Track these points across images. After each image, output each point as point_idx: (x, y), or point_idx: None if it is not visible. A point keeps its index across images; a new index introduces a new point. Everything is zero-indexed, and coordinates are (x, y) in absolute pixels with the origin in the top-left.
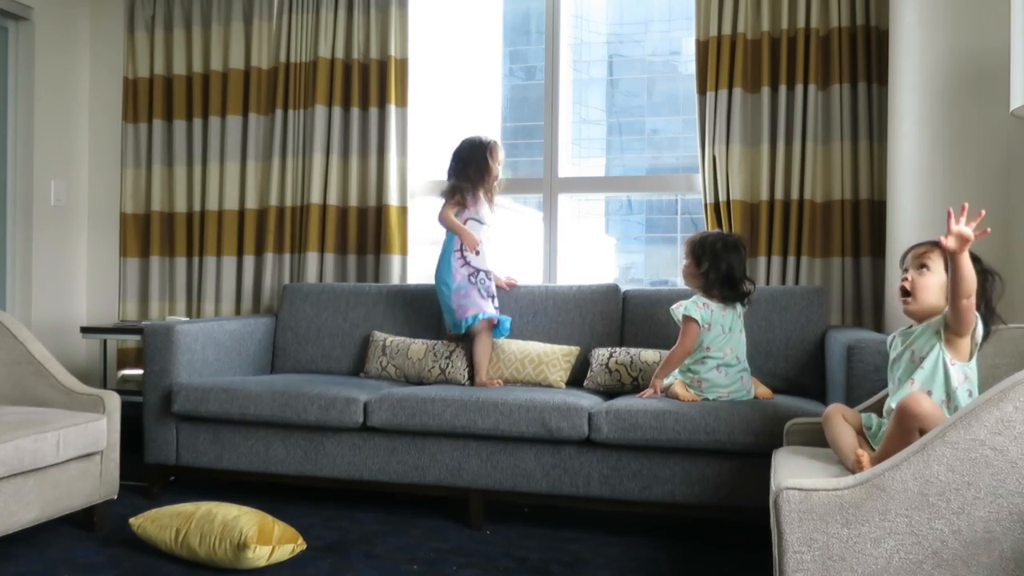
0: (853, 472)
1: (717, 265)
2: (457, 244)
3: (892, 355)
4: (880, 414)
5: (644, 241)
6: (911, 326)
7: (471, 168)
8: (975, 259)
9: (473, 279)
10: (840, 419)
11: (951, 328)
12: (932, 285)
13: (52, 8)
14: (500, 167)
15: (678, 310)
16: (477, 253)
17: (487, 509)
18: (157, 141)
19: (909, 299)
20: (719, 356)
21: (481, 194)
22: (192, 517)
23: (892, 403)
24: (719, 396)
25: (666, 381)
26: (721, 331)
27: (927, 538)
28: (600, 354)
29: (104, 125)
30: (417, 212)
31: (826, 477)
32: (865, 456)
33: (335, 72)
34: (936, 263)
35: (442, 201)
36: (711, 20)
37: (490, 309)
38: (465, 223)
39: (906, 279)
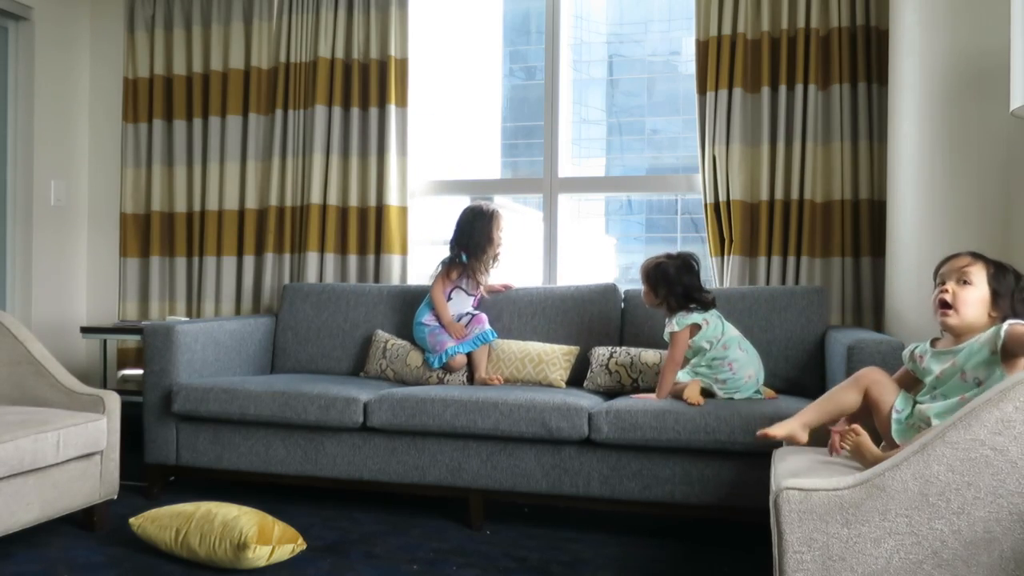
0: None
1: (673, 290)
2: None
3: (930, 374)
4: (914, 400)
5: (644, 241)
6: (935, 344)
7: (472, 240)
8: (1018, 276)
9: (432, 327)
10: (854, 390)
11: (1012, 351)
12: (974, 299)
13: (52, 8)
14: (503, 236)
15: (668, 332)
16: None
17: (487, 509)
18: (157, 141)
19: (950, 312)
20: (733, 336)
21: (479, 266)
22: (192, 517)
23: (932, 415)
24: (748, 379)
25: (682, 377)
26: (718, 320)
27: (927, 538)
28: (600, 354)
29: (104, 125)
30: (417, 212)
31: (826, 477)
32: (794, 437)
33: (335, 72)
34: (979, 276)
35: (438, 269)
36: (711, 20)
37: (452, 343)
38: (452, 290)
39: (946, 290)
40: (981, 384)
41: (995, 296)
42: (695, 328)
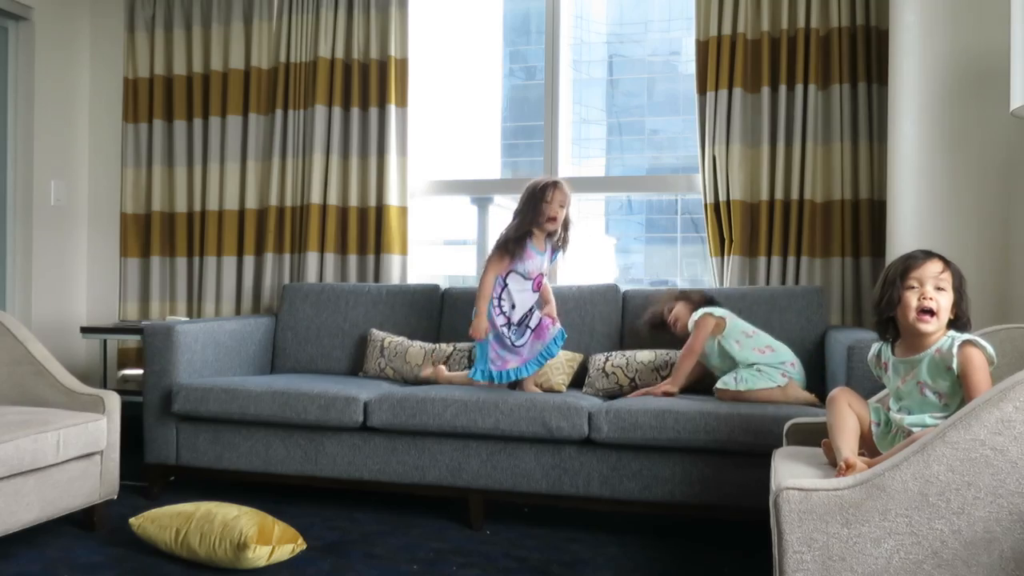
0: (834, 465)
1: (704, 295)
2: (496, 291)
3: (892, 383)
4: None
5: (644, 241)
6: (894, 349)
7: (522, 214)
8: (962, 276)
9: (504, 333)
10: (846, 407)
11: (966, 375)
12: (947, 306)
13: (52, 8)
14: (560, 208)
15: (691, 321)
16: (483, 339)
17: (487, 509)
18: (157, 141)
19: (932, 319)
20: (759, 327)
21: (533, 242)
22: (192, 517)
23: (906, 422)
24: (791, 363)
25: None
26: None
27: (927, 538)
28: (597, 359)
29: (104, 125)
30: (417, 212)
31: (826, 477)
32: (857, 467)
33: (335, 72)
34: (949, 283)
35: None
36: (711, 20)
37: (514, 364)
38: (507, 275)
39: (931, 299)
40: (941, 397)
41: (956, 300)
42: (718, 325)
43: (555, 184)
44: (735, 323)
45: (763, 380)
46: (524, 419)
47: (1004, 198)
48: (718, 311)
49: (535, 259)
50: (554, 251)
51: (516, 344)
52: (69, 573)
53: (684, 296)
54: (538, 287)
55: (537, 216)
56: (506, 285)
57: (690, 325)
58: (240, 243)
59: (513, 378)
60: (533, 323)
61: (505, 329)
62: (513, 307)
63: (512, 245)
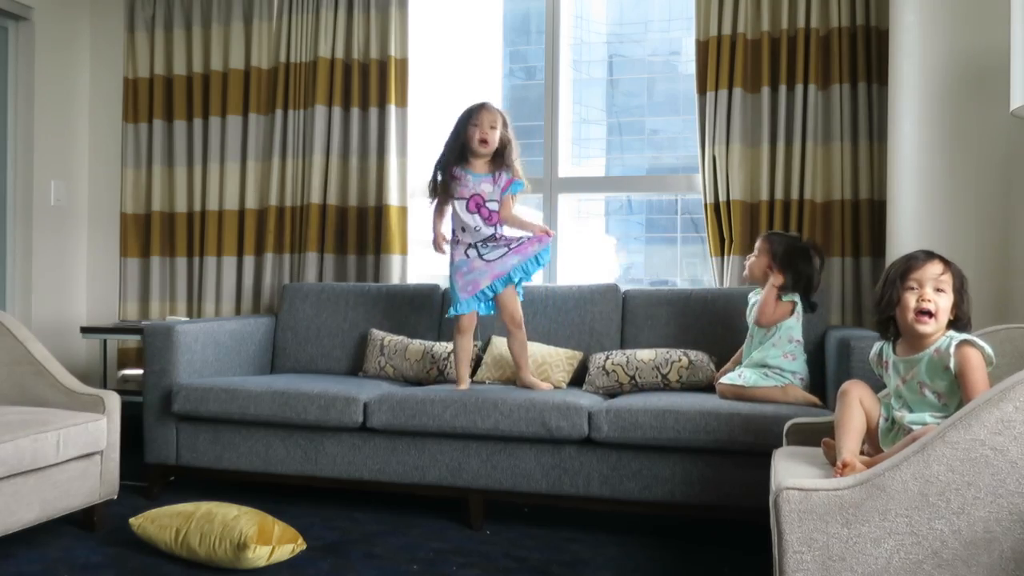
0: (834, 464)
1: (801, 276)
2: (450, 226)
3: (893, 380)
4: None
5: (644, 241)
6: (895, 348)
7: (448, 143)
8: (963, 277)
9: (457, 264)
10: (856, 403)
11: (963, 374)
12: (946, 307)
13: (52, 8)
14: (491, 129)
15: (757, 297)
16: (443, 251)
17: (487, 509)
18: (157, 141)
19: (931, 320)
20: (804, 341)
21: (469, 167)
22: (192, 517)
23: (906, 420)
24: (800, 378)
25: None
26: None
27: (927, 538)
28: (597, 358)
29: (104, 125)
30: (417, 212)
31: (826, 477)
32: (856, 468)
33: (335, 72)
34: (949, 285)
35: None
36: (711, 20)
37: (486, 282)
38: (451, 210)
39: (930, 300)
40: (940, 397)
41: (957, 302)
42: (787, 314)
43: (481, 105)
44: (793, 324)
45: (766, 382)
46: (524, 419)
47: (1004, 198)
48: (799, 307)
49: (465, 179)
50: (509, 182)
51: (485, 257)
52: (69, 573)
53: (777, 259)
54: (477, 209)
55: (466, 140)
56: (456, 214)
57: (768, 303)
58: (240, 243)
59: (473, 308)
60: (511, 243)
61: (473, 251)
62: (463, 230)
63: (432, 184)
